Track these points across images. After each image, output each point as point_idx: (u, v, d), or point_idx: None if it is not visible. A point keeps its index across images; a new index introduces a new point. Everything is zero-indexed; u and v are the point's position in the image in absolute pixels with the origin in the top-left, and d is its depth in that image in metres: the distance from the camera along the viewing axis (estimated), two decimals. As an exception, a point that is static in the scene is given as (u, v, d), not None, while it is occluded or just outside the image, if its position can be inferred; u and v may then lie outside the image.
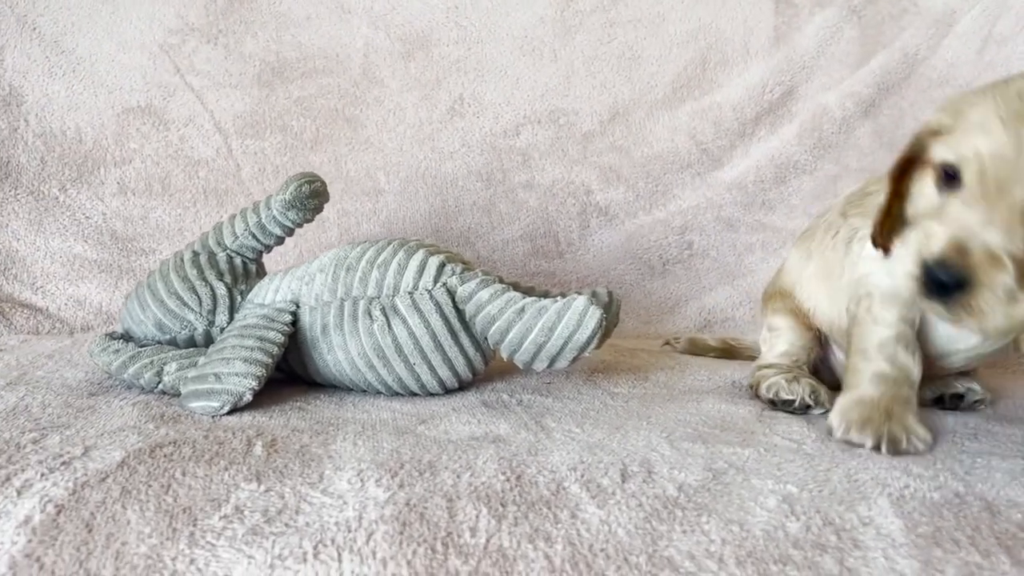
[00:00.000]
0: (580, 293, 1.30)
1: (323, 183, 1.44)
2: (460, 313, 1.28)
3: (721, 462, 0.99)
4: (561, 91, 2.07)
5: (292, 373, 1.35)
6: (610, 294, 1.34)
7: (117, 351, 1.27)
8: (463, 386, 1.32)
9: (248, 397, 1.16)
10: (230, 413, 1.16)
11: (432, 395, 1.30)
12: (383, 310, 1.25)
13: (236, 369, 1.17)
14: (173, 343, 1.33)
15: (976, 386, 1.33)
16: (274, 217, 1.41)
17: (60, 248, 1.88)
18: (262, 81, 2.07)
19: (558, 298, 1.25)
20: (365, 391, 1.31)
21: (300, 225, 1.44)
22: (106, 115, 2.01)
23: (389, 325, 1.25)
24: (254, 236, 1.42)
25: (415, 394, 1.29)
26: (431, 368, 1.26)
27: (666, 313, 1.97)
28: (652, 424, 1.16)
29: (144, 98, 2.03)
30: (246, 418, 1.14)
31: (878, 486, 0.93)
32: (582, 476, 0.93)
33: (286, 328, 1.27)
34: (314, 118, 2.06)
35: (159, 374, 1.23)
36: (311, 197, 1.41)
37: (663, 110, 2.07)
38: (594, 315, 1.21)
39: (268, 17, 2.08)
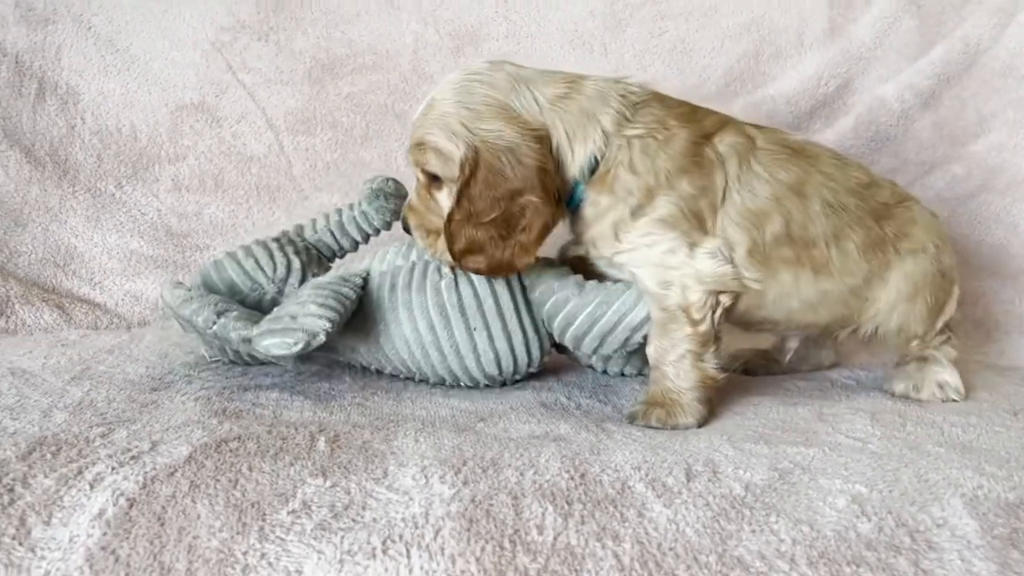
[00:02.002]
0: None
1: (402, 186, 1.49)
2: (524, 290, 1.30)
3: (786, 462, 0.98)
4: (612, 85, 2.05)
5: (348, 361, 1.37)
6: None
7: (187, 290, 1.28)
8: (518, 373, 1.32)
9: (321, 337, 1.14)
10: (302, 358, 1.18)
11: (487, 386, 1.30)
12: (453, 268, 1.26)
13: (311, 311, 1.16)
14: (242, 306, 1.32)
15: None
16: (354, 217, 1.47)
17: (117, 244, 1.91)
18: (313, 78, 2.07)
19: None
20: (421, 380, 1.32)
21: (377, 232, 1.49)
22: (160, 112, 2.03)
23: (456, 283, 1.26)
24: (332, 234, 1.48)
25: (472, 377, 1.29)
26: (490, 337, 1.26)
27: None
28: (712, 426, 1.15)
29: (197, 95, 2.05)
30: (307, 414, 1.15)
31: (950, 486, 0.91)
32: (646, 475, 0.92)
33: (358, 286, 1.28)
34: (364, 114, 2.06)
35: (218, 315, 1.22)
36: (392, 195, 1.47)
37: (716, 103, 1.99)
38: (643, 309, 1.21)
39: (318, 14, 2.08)
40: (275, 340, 1.13)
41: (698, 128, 1.20)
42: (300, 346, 1.12)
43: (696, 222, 1.16)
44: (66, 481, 0.85)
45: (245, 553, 0.75)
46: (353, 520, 0.81)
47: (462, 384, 1.31)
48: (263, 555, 0.75)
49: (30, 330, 1.68)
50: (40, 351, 1.44)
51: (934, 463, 0.98)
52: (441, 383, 1.32)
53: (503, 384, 1.33)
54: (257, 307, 1.33)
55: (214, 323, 1.21)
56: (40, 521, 0.79)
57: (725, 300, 1.18)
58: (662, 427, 1.13)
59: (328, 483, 0.88)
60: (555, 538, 0.78)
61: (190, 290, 1.28)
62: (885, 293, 1.29)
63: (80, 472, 0.87)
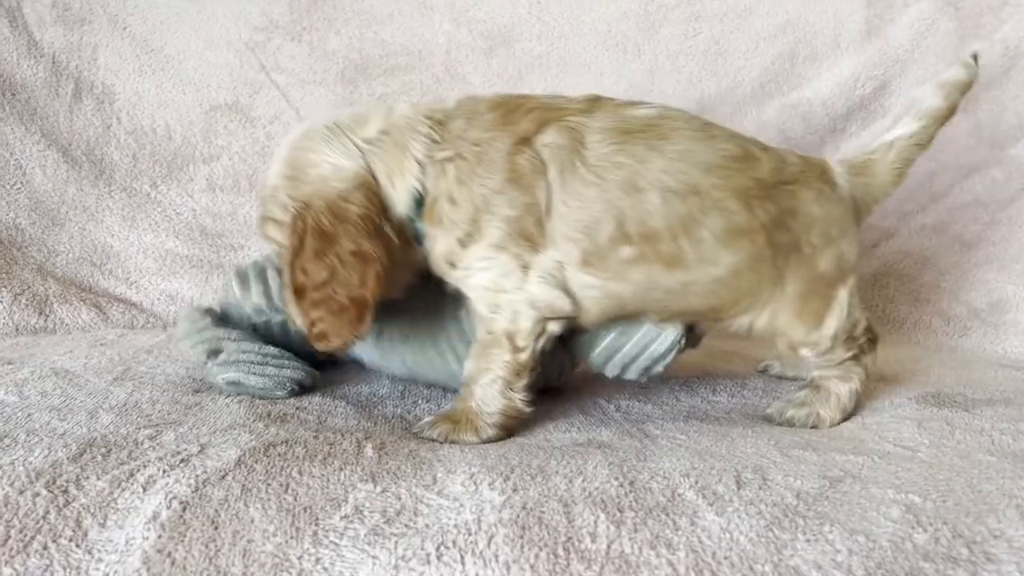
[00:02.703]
0: None
1: None
2: None
3: (836, 470, 0.97)
4: (645, 86, 2.04)
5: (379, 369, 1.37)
6: None
7: (193, 321, 1.29)
8: (548, 386, 1.30)
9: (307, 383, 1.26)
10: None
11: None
12: None
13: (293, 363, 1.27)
14: (267, 328, 1.33)
15: None
16: None
17: (152, 244, 1.92)
18: (346, 78, 2.08)
19: None
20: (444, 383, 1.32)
21: None
22: (194, 112, 2.05)
23: None
24: None
25: None
26: None
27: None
28: (758, 432, 1.14)
29: (231, 95, 2.06)
30: (351, 420, 1.15)
31: (1004, 497, 0.90)
32: (696, 482, 0.91)
33: None
34: (397, 115, 2.06)
35: (208, 356, 1.24)
36: None
37: (751, 106, 2.03)
38: (673, 331, 1.20)
39: (351, 14, 2.09)
40: (261, 383, 1.22)
41: (512, 133, 1.10)
42: (285, 392, 1.24)
43: (527, 242, 1.09)
44: (119, 483, 0.86)
45: (300, 558, 0.75)
46: (406, 526, 0.81)
47: None
48: (318, 560, 0.75)
49: (68, 329, 1.70)
50: (80, 351, 1.45)
51: (986, 472, 0.97)
52: None
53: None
54: (284, 330, 1.32)
55: (205, 363, 1.25)
56: (96, 523, 0.79)
57: (554, 328, 1.13)
58: (444, 440, 1.08)
59: (379, 488, 0.88)
60: (608, 546, 0.77)
61: (195, 320, 1.29)
62: (754, 286, 1.15)
63: (132, 474, 0.88)
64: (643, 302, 1.14)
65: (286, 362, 1.25)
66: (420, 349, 1.27)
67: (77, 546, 0.76)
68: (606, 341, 1.21)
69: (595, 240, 1.09)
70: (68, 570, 0.73)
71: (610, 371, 1.23)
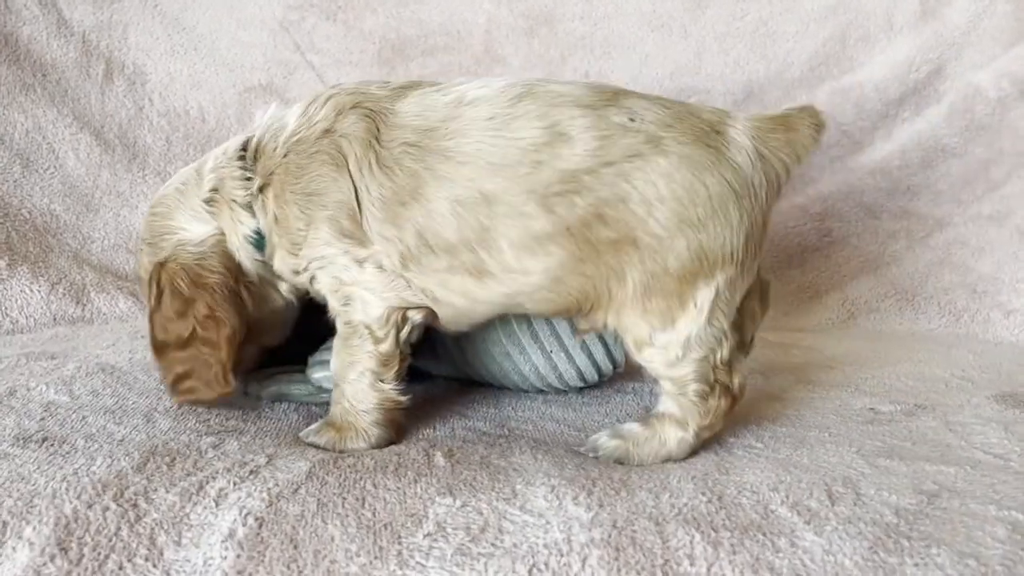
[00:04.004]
0: None
1: None
2: None
3: (929, 482, 0.93)
4: (692, 69, 1.99)
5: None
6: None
7: None
8: (603, 378, 1.26)
9: None
10: None
11: (580, 382, 1.25)
12: None
13: None
14: None
15: None
16: None
17: (187, 229, 1.88)
18: (382, 59, 2.03)
19: None
20: (503, 382, 1.27)
21: None
22: (228, 94, 2.00)
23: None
24: None
25: (558, 388, 1.25)
26: (568, 356, 1.21)
27: (805, 303, 1.89)
28: (836, 436, 1.09)
29: (265, 76, 2.02)
30: (409, 423, 1.11)
31: (1110, 515, 0.86)
32: (787, 498, 0.87)
33: None
34: (435, 97, 2.01)
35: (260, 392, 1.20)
36: None
37: (800, 89, 1.97)
38: None
39: (388, -8, 2.04)
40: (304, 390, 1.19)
41: (314, 128, 1.03)
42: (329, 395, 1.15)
43: (349, 239, 1.02)
44: (189, 497, 0.82)
45: (387, 581, 0.71)
46: (492, 545, 0.77)
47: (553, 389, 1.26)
48: (406, 583, 0.71)
49: (106, 319, 1.66)
50: (123, 344, 1.41)
51: (1084, 487, 0.93)
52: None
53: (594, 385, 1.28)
54: None
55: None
56: (171, 541, 0.76)
57: (415, 317, 1.04)
58: (331, 449, 1.02)
59: (458, 503, 0.84)
60: (708, 569, 0.74)
61: None
62: (586, 287, 1.00)
63: (202, 487, 0.84)
64: (476, 310, 1.05)
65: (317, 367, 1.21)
66: (475, 352, 1.23)
67: (154, 566, 0.73)
68: None
69: (407, 244, 1.00)
70: (146, 593, 0.70)
71: None
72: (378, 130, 1.01)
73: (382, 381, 1.05)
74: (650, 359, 1.02)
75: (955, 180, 1.90)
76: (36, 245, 1.72)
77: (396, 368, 1.06)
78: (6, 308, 1.60)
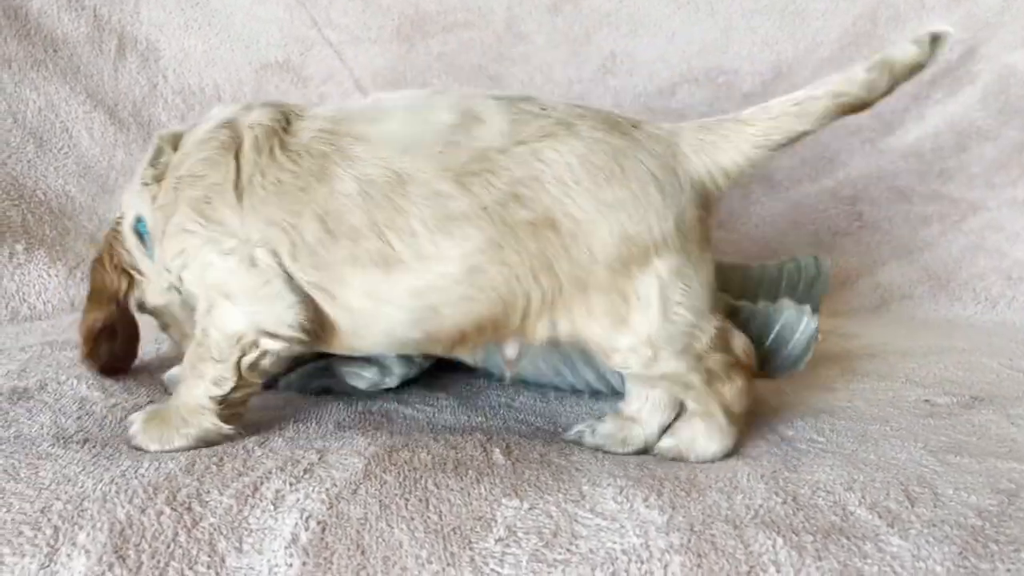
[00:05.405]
0: (784, 266, 1.22)
1: None
2: None
3: (1004, 481, 0.90)
4: (720, 47, 1.94)
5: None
6: (817, 263, 1.24)
7: None
8: None
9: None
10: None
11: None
12: None
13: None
14: None
15: None
16: None
17: (204, 211, 1.83)
18: (401, 35, 1.97)
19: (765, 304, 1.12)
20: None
21: None
22: (244, 71, 1.95)
23: None
24: None
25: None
26: None
27: (836, 289, 1.84)
28: (898, 430, 1.06)
29: (282, 53, 1.96)
30: (461, 417, 1.08)
31: None
32: (864, 498, 0.84)
33: None
34: (456, 75, 1.96)
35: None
36: None
37: (830, 69, 1.87)
38: (808, 327, 1.08)
39: (406, -34, 1.98)
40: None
41: (217, 121, 1.00)
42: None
43: (217, 225, 0.95)
44: (245, 499, 0.79)
45: (463, 590, 0.68)
46: (568, 551, 0.74)
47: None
48: (483, 593, 0.68)
49: (125, 303, 1.62)
50: (146, 334, 1.37)
51: None
52: None
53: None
54: None
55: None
56: (232, 547, 0.72)
57: (270, 345, 0.95)
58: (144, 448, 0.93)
59: (526, 505, 0.80)
60: (796, 577, 0.71)
61: None
62: (513, 283, 0.93)
63: (256, 488, 0.81)
64: (379, 318, 0.96)
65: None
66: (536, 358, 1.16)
67: (217, 574, 0.69)
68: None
69: (301, 232, 0.94)
70: (213, 605, 0.66)
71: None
72: (287, 121, 0.99)
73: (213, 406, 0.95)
74: (624, 365, 0.96)
75: (989, 163, 1.86)
76: (52, 228, 1.66)
77: (231, 393, 0.96)
78: (23, 294, 1.55)
